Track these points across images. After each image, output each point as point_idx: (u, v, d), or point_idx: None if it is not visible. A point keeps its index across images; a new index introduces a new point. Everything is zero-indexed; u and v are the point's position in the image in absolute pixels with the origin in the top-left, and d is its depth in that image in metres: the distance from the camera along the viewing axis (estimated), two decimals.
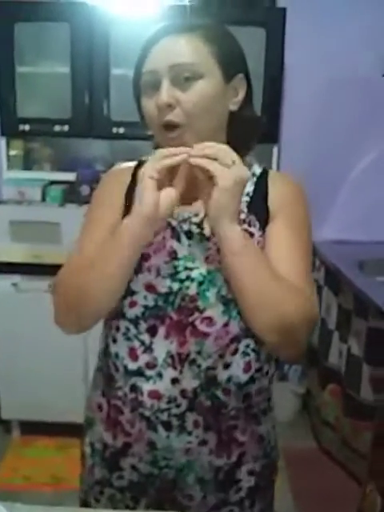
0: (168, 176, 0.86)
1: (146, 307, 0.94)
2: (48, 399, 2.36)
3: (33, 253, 2.27)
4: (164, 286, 0.93)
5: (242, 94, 0.94)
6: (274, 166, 2.30)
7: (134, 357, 0.96)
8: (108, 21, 2.13)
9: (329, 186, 2.63)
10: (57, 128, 2.24)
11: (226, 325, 0.93)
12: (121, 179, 1.01)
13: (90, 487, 1.08)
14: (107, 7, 2.13)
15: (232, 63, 0.91)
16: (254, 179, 0.99)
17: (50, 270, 2.26)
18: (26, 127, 2.25)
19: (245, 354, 0.96)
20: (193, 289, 0.92)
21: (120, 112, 2.17)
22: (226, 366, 0.95)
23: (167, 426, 0.96)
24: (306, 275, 0.94)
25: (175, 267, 0.93)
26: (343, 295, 2.20)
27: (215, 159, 0.83)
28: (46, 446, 2.44)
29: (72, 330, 1.00)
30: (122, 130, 2.19)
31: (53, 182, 2.39)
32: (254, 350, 0.96)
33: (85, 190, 2.29)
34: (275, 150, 2.29)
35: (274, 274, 0.89)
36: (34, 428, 2.48)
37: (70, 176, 2.34)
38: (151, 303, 0.94)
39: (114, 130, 2.21)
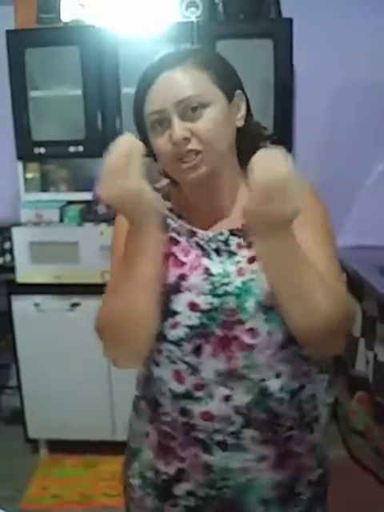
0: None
1: (190, 327, 0.92)
2: (74, 418, 2.37)
3: (53, 273, 2.29)
4: (206, 302, 0.92)
5: (243, 109, 0.95)
6: None
7: (180, 380, 0.95)
8: (116, 41, 2.16)
9: (346, 191, 2.62)
10: (71, 149, 2.27)
11: (269, 334, 0.93)
12: None
13: None
14: (115, 28, 2.16)
15: (230, 82, 0.93)
16: None
17: (70, 289, 2.33)
18: (41, 150, 2.28)
19: (293, 361, 0.96)
20: (232, 302, 0.92)
21: (133, 130, 2.18)
22: (278, 376, 0.94)
23: (223, 445, 0.95)
24: (339, 273, 0.96)
25: (212, 283, 0.93)
26: (367, 301, 2.18)
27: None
28: (73, 465, 2.45)
29: (130, 361, 0.96)
30: None
31: (70, 203, 2.41)
32: (301, 356, 0.97)
33: (102, 208, 2.30)
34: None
35: (312, 275, 0.86)
36: (61, 446, 2.49)
37: (87, 196, 2.35)
38: (196, 322, 0.92)
39: None
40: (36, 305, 2.32)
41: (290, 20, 2.10)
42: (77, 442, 2.44)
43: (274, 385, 0.94)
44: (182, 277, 0.93)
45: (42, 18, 2.24)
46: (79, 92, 2.23)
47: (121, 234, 0.94)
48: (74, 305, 2.31)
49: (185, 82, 0.88)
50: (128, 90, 2.19)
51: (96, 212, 2.32)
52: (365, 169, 2.63)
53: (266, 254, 0.84)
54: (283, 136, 2.14)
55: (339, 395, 2.53)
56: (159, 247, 0.88)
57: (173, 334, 0.93)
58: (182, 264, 0.93)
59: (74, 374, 2.33)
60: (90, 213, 2.35)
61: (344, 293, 0.93)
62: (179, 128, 0.86)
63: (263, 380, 0.93)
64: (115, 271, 0.96)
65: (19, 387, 2.44)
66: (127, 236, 0.88)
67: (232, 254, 0.94)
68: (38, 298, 2.33)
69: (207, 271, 0.93)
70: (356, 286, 2.24)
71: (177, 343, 0.94)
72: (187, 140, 0.87)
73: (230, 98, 0.92)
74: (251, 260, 0.93)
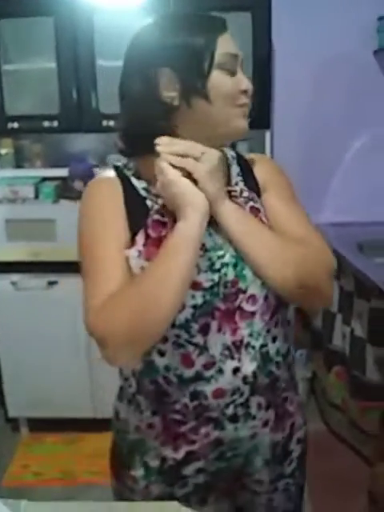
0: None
1: (195, 307, 0.91)
2: (54, 395, 2.37)
3: (29, 251, 2.26)
4: (207, 279, 0.92)
5: None
6: (268, 151, 2.28)
7: (188, 363, 0.94)
8: (91, 12, 2.10)
9: (324, 168, 2.62)
10: (46, 124, 2.21)
11: (266, 298, 0.95)
12: (112, 192, 0.95)
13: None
14: None
15: None
16: (235, 161, 1.03)
17: (48, 267, 2.30)
18: (15, 125, 2.22)
19: (283, 324, 1.00)
20: (230, 273, 0.93)
21: (109, 104, 2.14)
22: (274, 340, 0.98)
23: (233, 417, 0.97)
24: (312, 228, 1.00)
25: (209, 259, 0.92)
26: (344, 278, 2.20)
27: (185, 155, 0.86)
28: (54, 442, 2.45)
29: (135, 360, 0.93)
30: (112, 123, 2.16)
31: (45, 179, 2.36)
32: (288, 321, 1.02)
33: (78, 185, 2.27)
34: (268, 135, 2.27)
35: (278, 235, 0.96)
36: (41, 425, 2.49)
37: (62, 172, 2.31)
38: (200, 301, 0.91)
39: (104, 122, 2.18)
40: (13, 283, 2.30)
41: None
42: (57, 419, 2.45)
43: (272, 349, 0.98)
44: None
45: None
46: (53, 65, 2.17)
47: (109, 204, 0.93)
48: (52, 283, 2.29)
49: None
50: (103, 63, 2.15)
51: (72, 189, 2.28)
52: (344, 145, 2.62)
53: (223, 219, 0.91)
54: (262, 111, 2.12)
55: (317, 370, 2.57)
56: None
57: (179, 317, 0.91)
58: None
59: (53, 352, 2.32)
60: (66, 189, 2.31)
61: (318, 244, 0.97)
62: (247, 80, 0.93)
63: (264, 345, 0.97)
64: (106, 252, 0.90)
65: None
66: (183, 228, 0.85)
67: (217, 223, 0.93)
68: (14, 277, 2.30)
69: (202, 247, 0.91)
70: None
71: (184, 326, 0.92)
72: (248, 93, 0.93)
73: None
74: None
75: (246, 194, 0.99)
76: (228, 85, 0.90)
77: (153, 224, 0.92)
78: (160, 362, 0.94)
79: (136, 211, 0.93)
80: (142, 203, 0.94)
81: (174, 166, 0.85)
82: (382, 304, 1.95)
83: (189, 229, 0.85)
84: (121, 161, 1.00)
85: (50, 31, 2.13)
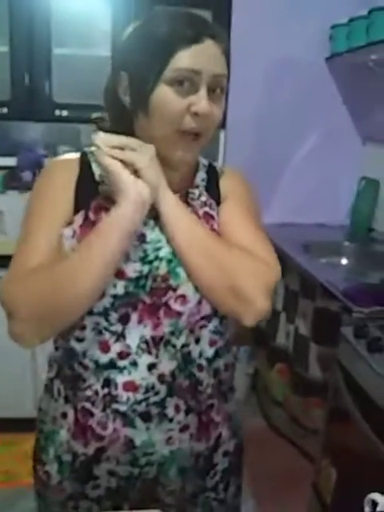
0: None
1: (115, 297, 0.89)
2: None
3: None
4: (134, 270, 0.89)
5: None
6: (221, 150, 2.30)
7: (105, 349, 0.92)
8: None
9: (273, 169, 2.66)
10: None
11: (199, 303, 0.92)
12: (67, 172, 0.94)
13: (62, 504, 1.01)
14: None
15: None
16: (205, 168, 1.02)
17: None
18: None
19: (214, 332, 0.96)
20: (163, 268, 0.90)
21: (63, 93, 2.10)
22: (197, 341, 0.94)
23: (146, 416, 0.93)
24: (262, 241, 0.96)
25: (144, 251, 0.90)
26: (290, 277, 2.25)
27: (122, 148, 0.84)
28: None
29: (40, 341, 0.89)
30: (65, 113, 2.12)
31: None
32: (220, 332, 0.97)
33: (27, 175, 2.21)
34: (222, 135, 2.29)
35: (219, 239, 0.92)
36: None
37: (11, 161, 2.25)
38: (121, 291, 0.89)
39: (57, 112, 2.13)
40: None
41: None
42: None
43: (194, 350, 0.94)
44: None
45: None
46: (6, 48, 2.09)
47: (60, 183, 0.92)
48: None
49: (222, 60, 0.86)
50: (60, 51, 2.09)
51: (21, 179, 2.22)
52: (293, 147, 2.67)
53: (161, 208, 0.89)
54: None
55: (259, 366, 2.63)
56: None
57: (98, 305, 0.89)
58: None
59: None
60: (14, 180, 2.24)
61: (266, 260, 0.92)
62: (207, 102, 0.84)
63: (186, 345, 0.93)
64: (40, 227, 0.90)
65: None
66: (116, 216, 0.84)
67: None
68: None
69: (141, 238, 0.90)
70: (280, 262, 2.30)
71: (103, 314, 0.90)
72: (202, 117, 0.85)
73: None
74: None
75: (203, 198, 0.97)
76: (172, 103, 0.83)
77: (95, 207, 0.90)
78: (79, 347, 0.93)
79: (84, 194, 0.91)
80: (94, 188, 0.92)
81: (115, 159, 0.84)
82: (325, 303, 2.01)
83: (119, 217, 0.83)
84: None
85: (4, 12, 2.05)
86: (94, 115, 0.98)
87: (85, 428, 0.95)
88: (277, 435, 2.36)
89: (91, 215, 0.90)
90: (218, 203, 0.99)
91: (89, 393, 0.94)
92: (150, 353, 0.92)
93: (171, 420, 0.95)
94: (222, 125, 2.26)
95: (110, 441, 0.95)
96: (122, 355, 0.92)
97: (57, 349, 1.00)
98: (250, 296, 0.88)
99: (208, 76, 0.84)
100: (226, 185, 1.01)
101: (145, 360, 0.92)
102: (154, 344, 0.91)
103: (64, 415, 0.98)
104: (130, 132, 0.90)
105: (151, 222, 0.92)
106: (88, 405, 0.95)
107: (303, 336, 2.14)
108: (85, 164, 0.95)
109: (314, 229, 2.64)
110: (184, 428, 0.97)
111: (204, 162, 1.04)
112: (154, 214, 0.90)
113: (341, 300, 1.68)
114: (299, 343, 2.17)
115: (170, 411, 0.95)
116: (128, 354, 0.91)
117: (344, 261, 2.41)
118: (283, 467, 2.11)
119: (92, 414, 0.94)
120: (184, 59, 0.82)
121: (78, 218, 0.90)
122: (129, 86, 0.89)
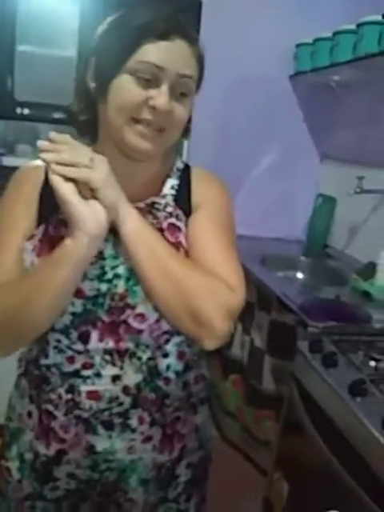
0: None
1: (73, 314, 0.88)
2: None
3: None
4: (92, 288, 0.87)
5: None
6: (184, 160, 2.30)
7: (70, 361, 0.91)
8: None
9: (233, 182, 2.63)
10: None
11: (157, 321, 0.90)
12: (31, 184, 0.92)
13: (19, 503, 1.00)
14: None
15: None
16: (178, 173, 0.98)
17: None
18: None
19: (180, 345, 0.95)
20: (121, 286, 0.88)
21: (25, 91, 2.03)
22: (165, 355, 0.93)
23: (108, 425, 0.92)
24: (230, 261, 0.91)
25: (102, 267, 0.88)
26: (247, 289, 2.26)
27: (75, 164, 0.77)
28: None
29: (3, 354, 0.88)
30: (26, 111, 2.06)
31: None
32: (188, 344, 0.97)
33: None
34: (186, 144, 2.29)
35: (182, 258, 0.88)
36: None
37: None
38: (79, 309, 0.88)
39: (18, 110, 2.07)
40: None
41: (200, 2, 2.07)
42: None
43: (161, 364, 0.93)
44: None
45: None
46: None
47: (24, 193, 0.90)
48: None
49: (191, 62, 0.85)
50: (24, 48, 2.03)
51: None
52: (252, 161, 2.72)
53: (120, 224, 0.84)
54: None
55: (213, 377, 2.62)
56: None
57: (59, 323, 0.89)
58: None
59: None
60: None
61: (230, 283, 0.88)
62: (167, 99, 0.82)
63: (152, 359, 0.92)
64: (3, 240, 0.89)
65: None
66: (70, 246, 0.79)
67: None
68: None
69: (98, 255, 0.86)
70: None
71: (64, 331, 0.90)
72: (164, 115, 0.83)
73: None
74: None
75: (169, 209, 0.93)
76: (131, 93, 0.82)
77: (56, 222, 0.88)
78: (44, 361, 0.94)
79: (47, 206, 0.89)
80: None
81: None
82: (281, 317, 2.03)
83: (74, 248, 0.79)
84: None
85: None
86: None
87: (48, 429, 0.94)
88: (229, 446, 2.36)
89: (51, 230, 0.88)
90: (189, 212, 0.95)
91: (53, 396, 0.93)
92: (114, 364, 0.90)
93: (134, 430, 0.94)
94: (187, 134, 2.26)
95: (72, 444, 0.94)
96: (86, 366, 0.91)
97: (32, 353, 0.98)
98: (208, 320, 0.84)
99: (172, 74, 0.82)
100: (200, 191, 0.97)
101: (109, 371, 0.90)
102: (118, 356, 0.90)
103: (29, 414, 0.97)
104: (95, 120, 0.90)
105: (110, 238, 0.88)
106: (51, 407, 0.94)
107: (258, 348, 2.15)
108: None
109: (272, 243, 2.68)
110: (147, 439, 0.96)
111: (179, 165, 1.00)
112: (111, 228, 0.86)
113: (297, 314, 1.70)
114: (254, 355, 2.18)
115: (134, 422, 0.94)
116: (92, 365, 0.90)
117: (300, 275, 2.46)
118: (234, 479, 2.11)
119: (55, 417, 0.93)
120: (150, 53, 0.81)
121: (38, 233, 0.88)
122: (94, 72, 0.88)
